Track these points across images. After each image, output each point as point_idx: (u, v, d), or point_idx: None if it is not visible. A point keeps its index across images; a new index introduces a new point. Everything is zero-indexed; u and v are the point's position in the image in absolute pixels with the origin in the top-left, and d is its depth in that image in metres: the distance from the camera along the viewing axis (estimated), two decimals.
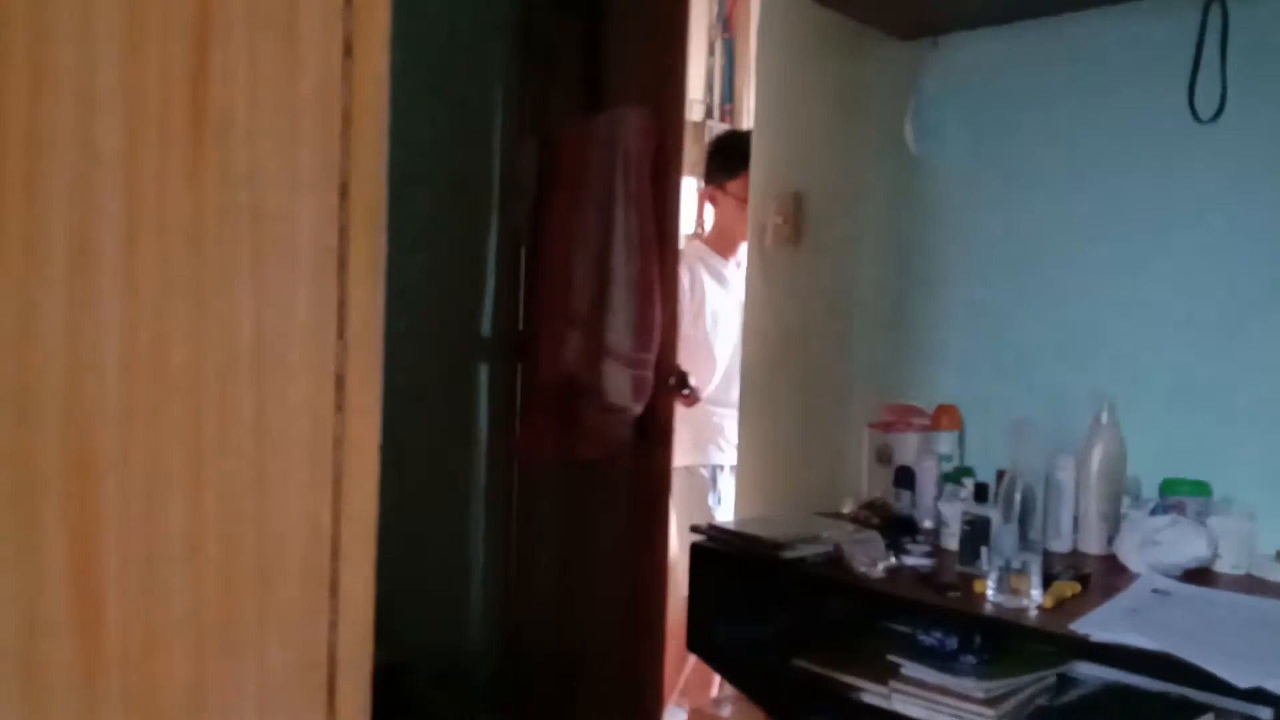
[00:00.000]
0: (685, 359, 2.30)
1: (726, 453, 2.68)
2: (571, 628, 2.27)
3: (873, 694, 1.44)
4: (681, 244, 2.32)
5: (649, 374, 1.91)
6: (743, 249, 2.62)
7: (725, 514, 2.64)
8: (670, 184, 2.02)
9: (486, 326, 2.63)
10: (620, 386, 1.91)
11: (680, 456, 2.38)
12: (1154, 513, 1.60)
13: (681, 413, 2.28)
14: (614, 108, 2.03)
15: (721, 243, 2.76)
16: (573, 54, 2.22)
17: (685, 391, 2.28)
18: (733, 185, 2.66)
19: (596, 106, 2.13)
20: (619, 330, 1.93)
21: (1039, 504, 1.42)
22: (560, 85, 2.23)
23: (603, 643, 2.16)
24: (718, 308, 2.69)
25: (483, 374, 2.63)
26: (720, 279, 2.73)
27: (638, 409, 1.93)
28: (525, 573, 2.61)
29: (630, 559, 2.08)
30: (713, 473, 2.74)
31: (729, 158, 2.68)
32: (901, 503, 1.85)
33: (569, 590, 2.29)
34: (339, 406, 0.58)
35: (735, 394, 2.48)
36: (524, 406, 2.27)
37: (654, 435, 2.03)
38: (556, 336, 2.11)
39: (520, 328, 2.34)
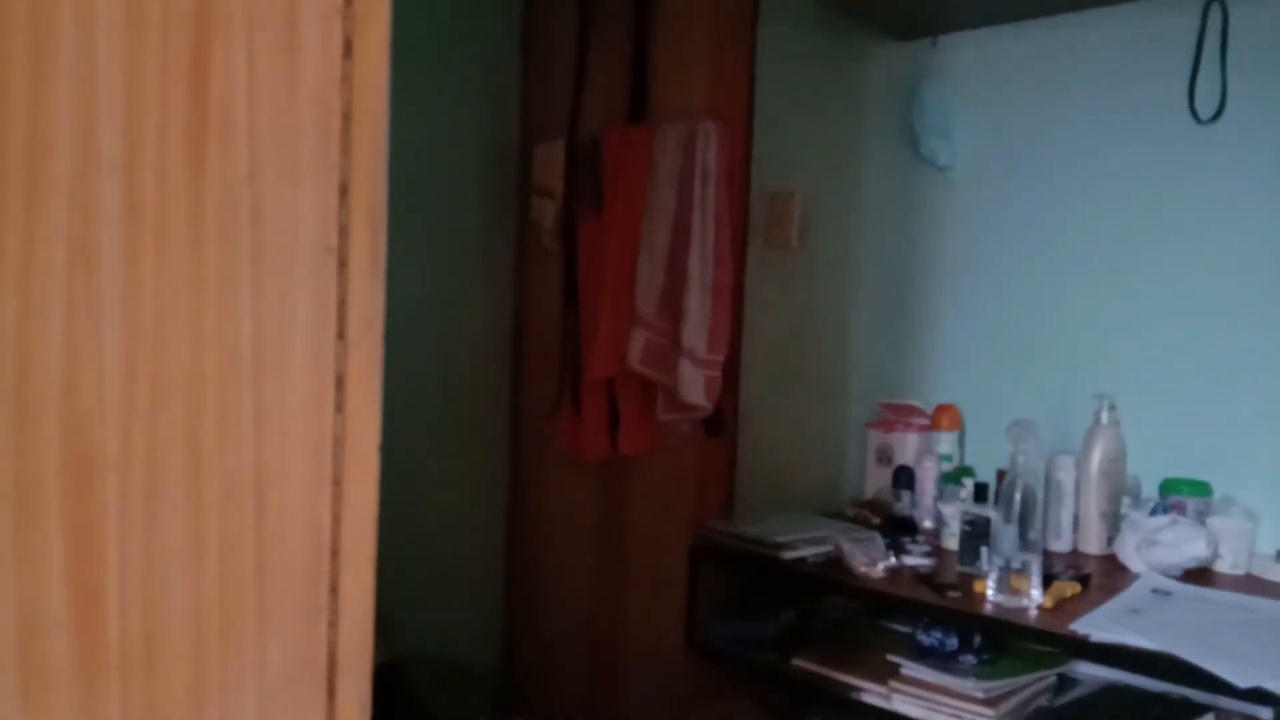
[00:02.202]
0: None
1: None
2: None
3: (872, 694, 1.45)
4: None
5: (719, 374, 1.97)
6: None
7: None
8: (742, 194, 2.09)
9: (503, 324, 2.64)
10: (694, 385, 1.96)
11: None
12: (1154, 513, 1.60)
13: None
14: (689, 119, 2.08)
15: None
16: (620, 60, 2.27)
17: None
18: None
19: (646, 115, 2.18)
20: (694, 332, 1.97)
21: (1039, 504, 1.42)
22: (611, 91, 2.29)
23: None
24: None
25: (498, 372, 2.64)
26: None
27: (709, 407, 1.97)
28: (525, 572, 2.61)
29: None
30: None
31: None
32: (901, 503, 1.85)
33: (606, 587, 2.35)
34: (339, 406, 0.58)
35: None
36: (575, 404, 2.30)
37: (720, 431, 2.13)
38: (614, 336, 2.14)
39: (567, 327, 2.40)
